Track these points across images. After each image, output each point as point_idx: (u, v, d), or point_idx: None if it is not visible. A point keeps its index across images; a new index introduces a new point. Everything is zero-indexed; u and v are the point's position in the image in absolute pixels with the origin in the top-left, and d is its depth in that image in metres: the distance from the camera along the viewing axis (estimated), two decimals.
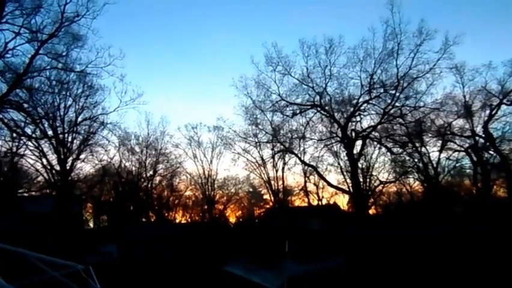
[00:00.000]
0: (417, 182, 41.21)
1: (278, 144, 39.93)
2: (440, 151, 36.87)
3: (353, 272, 16.43)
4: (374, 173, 39.00)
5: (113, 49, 42.36)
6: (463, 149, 36.28)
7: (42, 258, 4.76)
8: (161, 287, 17.49)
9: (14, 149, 32.01)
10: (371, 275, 16.07)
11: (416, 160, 37.14)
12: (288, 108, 37.92)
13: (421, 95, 34.55)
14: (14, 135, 30.12)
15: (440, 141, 36.58)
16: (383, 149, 37.86)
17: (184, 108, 74.03)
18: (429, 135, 36.55)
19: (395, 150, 37.38)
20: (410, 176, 40.20)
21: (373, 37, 34.72)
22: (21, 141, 31.62)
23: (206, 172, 45.14)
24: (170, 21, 76.24)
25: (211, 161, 45.08)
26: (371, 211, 40.92)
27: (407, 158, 37.65)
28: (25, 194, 36.70)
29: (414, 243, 21.30)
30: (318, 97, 36.74)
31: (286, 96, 37.47)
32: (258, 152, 42.24)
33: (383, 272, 16.35)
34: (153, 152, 43.51)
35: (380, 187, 39.32)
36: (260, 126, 40.12)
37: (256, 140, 41.03)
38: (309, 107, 37.39)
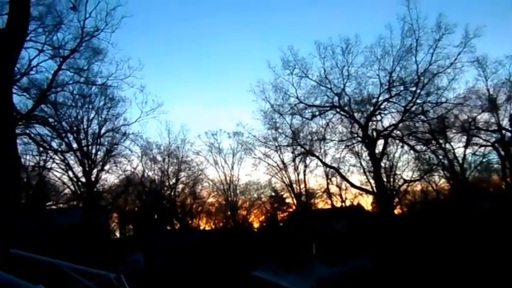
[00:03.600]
0: (443, 180, 40.48)
1: (298, 147, 39.69)
2: (466, 147, 36.10)
3: (381, 272, 16.15)
4: (397, 172, 38.38)
5: (132, 61, 43.26)
6: (489, 143, 35.38)
7: (76, 268, 4.85)
8: None
9: (42, 163, 32.83)
10: (399, 275, 15.78)
11: (440, 157, 36.41)
12: (307, 111, 37.70)
13: (443, 90, 33.71)
14: (41, 149, 30.91)
15: (465, 137, 35.80)
16: (406, 147, 37.17)
17: (204, 116, 74.92)
18: (454, 131, 35.76)
19: (418, 148, 36.66)
20: (435, 174, 39.51)
21: (390, 34, 34.36)
22: (48, 155, 32.45)
23: (228, 178, 45.40)
24: (186, 30, 77.27)
25: (232, 167, 45.35)
26: (396, 211, 40.26)
27: (431, 155, 36.94)
28: (53, 207, 37.55)
29: (442, 240, 20.87)
30: (336, 98, 36.41)
31: (305, 98, 37.25)
32: (279, 155, 42.22)
33: (411, 271, 16.04)
34: (175, 161, 44.11)
35: (404, 186, 38.62)
36: (280, 130, 39.99)
37: (277, 144, 40.97)
38: (328, 108, 37.08)
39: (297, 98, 37.17)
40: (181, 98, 74.94)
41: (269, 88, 38.26)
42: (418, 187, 43.01)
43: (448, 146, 35.94)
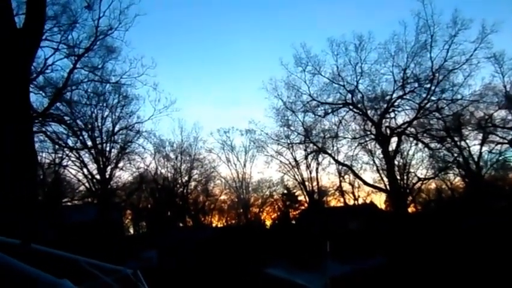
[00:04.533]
0: (458, 178, 39.89)
1: (311, 145, 39.61)
2: (482, 144, 35.50)
3: (395, 271, 16.02)
4: (411, 170, 37.92)
5: (146, 59, 43.78)
6: (506, 141, 34.70)
7: (94, 263, 4.91)
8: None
9: (57, 160, 33.36)
10: (414, 274, 15.63)
11: (455, 155, 35.87)
12: (319, 108, 37.59)
13: (458, 87, 33.26)
14: (57, 147, 31.36)
15: (481, 134, 35.18)
16: (420, 145, 36.76)
17: (216, 113, 74.99)
18: (469, 128, 35.22)
19: (432, 145, 36.23)
20: (450, 172, 38.97)
21: (404, 31, 34.10)
22: (64, 153, 32.90)
23: (240, 176, 45.50)
24: (198, 28, 77.35)
25: (244, 165, 45.43)
26: (410, 209, 39.85)
27: (446, 153, 36.43)
28: (69, 203, 38.11)
29: (457, 239, 20.59)
30: (349, 95, 36.20)
31: (317, 96, 37.17)
32: (291, 153, 42.14)
33: (426, 270, 15.87)
34: (187, 158, 44.37)
35: (418, 184, 38.16)
36: (292, 128, 39.94)
37: (289, 142, 40.88)
38: (341, 105, 36.88)
39: (310, 95, 37.13)
40: (194, 95, 75.33)
41: (281, 85, 38.34)
42: (432, 185, 42.60)
43: (463, 143, 35.44)
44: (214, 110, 73.98)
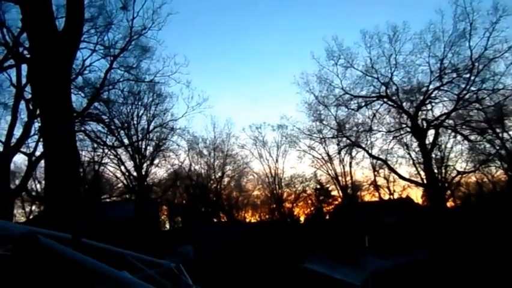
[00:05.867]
0: (500, 171, 38.20)
1: (344, 139, 39.03)
2: None
3: (437, 267, 15.60)
4: (450, 163, 36.62)
5: (178, 57, 44.42)
6: None
7: (138, 257, 5.08)
8: (244, 284, 17.86)
9: (96, 158, 34.63)
10: (456, 270, 15.17)
11: (497, 147, 34.36)
12: (352, 102, 36.96)
13: (500, 76, 31.71)
14: (95, 145, 32.59)
15: None
16: (459, 137, 35.42)
17: (248, 109, 75.27)
18: None
19: (472, 137, 34.80)
20: (492, 165, 37.30)
21: (441, 19, 32.60)
22: (102, 151, 34.12)
23: (272, 171, 45.45)
24: (229, 24, 77.63)
25: (276, 160, 45.34)
26: (449, 204, 38.58)
27: (487, 145, 34.94)
28: (107, 200, 39.49)
29: (501, 234, 19.77)
30: (384, 88, 35.33)
31: (350, 89, 36.54)
32: (324, 148, 41.77)
33: (468, 266, 15.36)
34: (220, 154, 44.87)
35: (457, 178, 36.82)
36: (324, 122, 39.51)
37: (321, 136, 40.49)
38: (374, 98, 36.09)
39: (342, 88, 36.57)
40: (226, 92, 75.82)
41: (313, 80, 37.97)
42: (472, 179, 40.92)
43: (505, 135, 33.83)
44: (246, 106, 74.19)
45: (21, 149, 27.28)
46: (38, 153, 27.68)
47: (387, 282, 12.74)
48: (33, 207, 41.67)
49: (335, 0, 69.73)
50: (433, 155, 35.36)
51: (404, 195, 42.04)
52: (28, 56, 24.11)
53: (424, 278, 14.21)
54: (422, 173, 35.81)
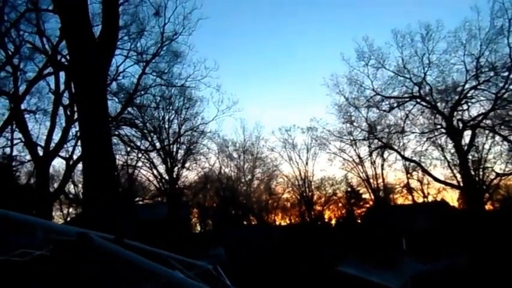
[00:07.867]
0: None
1: (375, 141, 38.33)
2: None
3: (478, 271, 15.00)
4: (488, 165, 35.17)
5: (208, 61, 44.91)
6: None
7: (177, 258, 5.13)
8: (274, 284, 17.80)
9: (129, 161, 35.51)
10: (498, 275, 14.54)
11: None
12: (384, 103, 36.24)
13: None
14: (129, 149, 33.43)
15: None
16: (498, 138, 33.95)
17: (277, 112, 75.25)
18: None
19: None
20: None
21: (477, 16, 31.47)
22: (136, 155, 34.95)
23: (302, 174, 45.23)
24: (258, 27, 77.72)
25: (306, 163, 45.10)
26: (487, 206, 37.05)
27: None
28: (140, 202, 40.40)
29: None
30: (416, 88, 34.44)
31: (381, 90, 35.86)
32: (355, 150, 41.18)
33: (509, 270, 14.69)
34: (250, 157, 45.11)
35: (496, 180, 35.34)
36: (355, 124, 38.91)
37: (352, 138, 39.90)
38: (407, 99, 35.24)
39: (373, 90, 35.95)
40: (255, 95, 76.18)
41: (343, 81, 37.55)
42: None
43: None
44: (275, 109, 74.34)
45: (60, 153, 28.39)
46: (75, 156, 28.79)
47: (426, 286, 12.37)
48: (71, 210, 43.27)
49: (365, 0, 68.70)
50: (470, 157, 34.11)
51: (438, 198, 40.90)
52: (66, 63, 25.14)
53: (464, 282, 13.69)
54: (458, 175, 34.65)
